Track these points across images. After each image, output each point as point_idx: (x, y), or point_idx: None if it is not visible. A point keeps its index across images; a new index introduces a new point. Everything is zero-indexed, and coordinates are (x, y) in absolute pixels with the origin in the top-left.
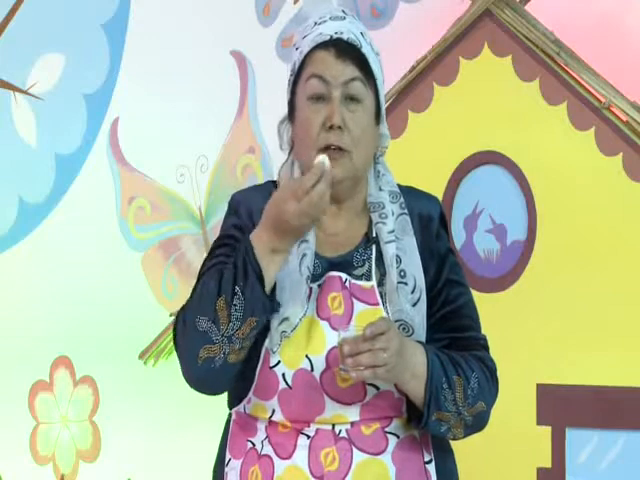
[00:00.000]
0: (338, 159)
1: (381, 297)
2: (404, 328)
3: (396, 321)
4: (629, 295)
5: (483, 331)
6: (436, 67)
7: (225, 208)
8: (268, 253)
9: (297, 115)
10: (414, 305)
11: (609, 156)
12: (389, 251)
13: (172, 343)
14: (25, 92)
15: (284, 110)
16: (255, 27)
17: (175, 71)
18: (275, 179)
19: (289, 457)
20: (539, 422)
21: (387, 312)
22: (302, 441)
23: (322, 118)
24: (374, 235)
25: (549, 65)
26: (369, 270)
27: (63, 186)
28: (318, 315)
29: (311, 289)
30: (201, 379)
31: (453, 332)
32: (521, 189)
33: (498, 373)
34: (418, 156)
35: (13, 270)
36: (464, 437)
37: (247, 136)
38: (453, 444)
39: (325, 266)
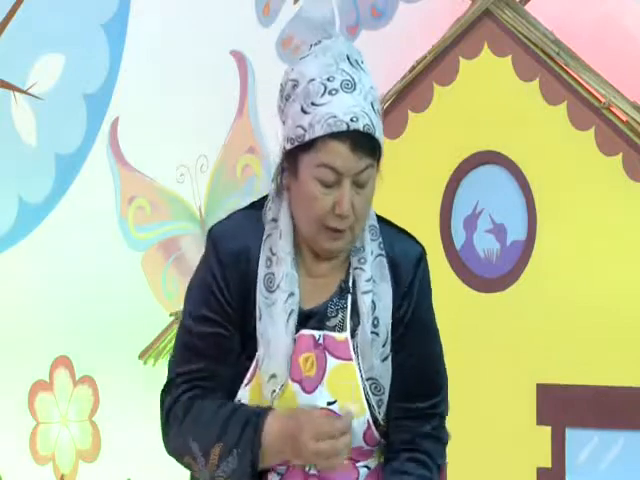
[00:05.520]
0: (341, 237)
1: (354, 350)
2: (375, 387)
3: (368, 379)
4: (629, 295)
5: (482, 332)
6: (436, 67)
7: (224, 208)
8: (272, 456)
9: (301, 181)
10: (383, 361)
11: (609, 156)
12: (365, 302)
13: (171, 344)
14: (25, 92)
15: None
16: (255, 27)
17: (175, 71)
18: (258, 198)
19: None
20: (539, 422)
21: (359, 367)
22: (273, 478)
23: (331, 202)
24: (350, 284)
25: (549, 65)
26: (342, 320)
27: (63, 186)
28: (290, 377)
29: None
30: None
31: (404, 402)
32: (521, 189)
33: (445, 458)
34: (418, 156)
35: (13, 270)
36: None
37: (247, 136)
38: (452, 443)
39: (301, 318)
